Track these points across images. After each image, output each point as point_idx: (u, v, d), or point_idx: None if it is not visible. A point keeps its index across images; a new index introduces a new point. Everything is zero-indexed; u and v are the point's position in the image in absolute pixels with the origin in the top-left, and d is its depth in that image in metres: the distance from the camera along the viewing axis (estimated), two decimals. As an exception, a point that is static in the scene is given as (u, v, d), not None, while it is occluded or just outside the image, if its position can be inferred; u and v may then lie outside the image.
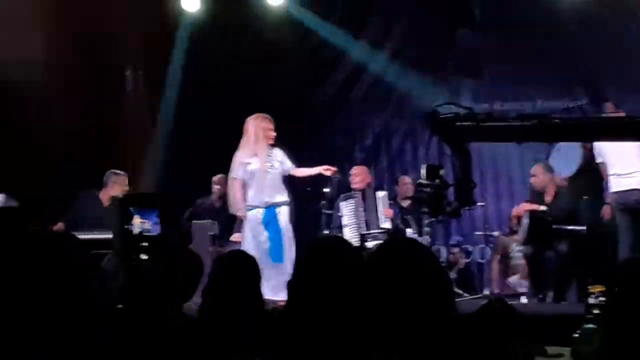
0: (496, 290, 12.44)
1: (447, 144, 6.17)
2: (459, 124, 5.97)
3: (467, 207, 6.47)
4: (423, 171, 6.16)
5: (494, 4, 12.99)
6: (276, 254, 9.38)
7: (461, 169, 6.04)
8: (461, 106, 6.35)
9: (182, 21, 12.99)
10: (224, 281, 4.47)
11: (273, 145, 9.70)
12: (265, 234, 9.55)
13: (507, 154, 13.55)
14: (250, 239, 9.59)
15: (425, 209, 6.58)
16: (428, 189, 6.06)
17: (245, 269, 4.57)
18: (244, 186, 9.69)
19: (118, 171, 10.87)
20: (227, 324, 4.28)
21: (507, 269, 12.32)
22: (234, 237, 11.33)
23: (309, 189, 11.45)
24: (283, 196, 9.68)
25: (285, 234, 9.57)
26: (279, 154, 9.71)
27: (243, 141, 9.68)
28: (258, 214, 9.61)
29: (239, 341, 4.25)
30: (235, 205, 9.74)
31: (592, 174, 11.28)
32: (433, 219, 12.42)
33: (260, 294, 4.56)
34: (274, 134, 9.66)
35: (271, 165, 9.60)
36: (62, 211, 10.68)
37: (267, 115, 9.71)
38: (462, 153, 6.04)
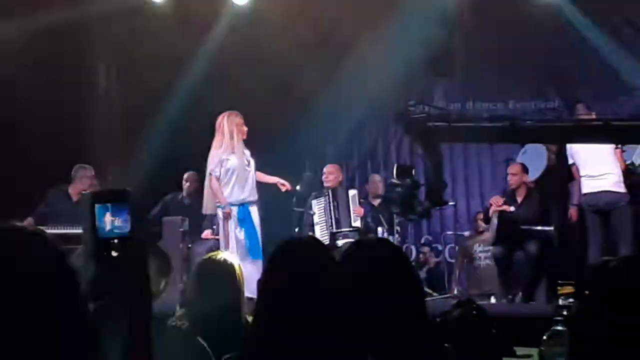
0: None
1: (418, 144, 6.19)
2: (431, 124, 5.98)
3: (438, 207, 6.49)
4: (394, 171, 6.18)
5: (467, 4, 12.99)
6: (254, 250, 9.39)
7: (433, 169, 6.06)
8: (433, 106, 6.36)
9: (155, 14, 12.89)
10: (204, 287, 4.51)
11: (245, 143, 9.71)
12: (242, 231, 9.55)
13: (478, 154, 13.59)
14: (230, 236, 9.59)
15: (396, 209, 6.59)
16: (399, 189, 6.08)
17: (227, 276, 4.60)
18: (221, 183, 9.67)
19: (85, 165, 10.94)
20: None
21: (472, 271, 12.31)
22: (205, 234, 11.35)
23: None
24: (256, 194, 9.70)
25: (259, 231, 9.60)
26: (247, 152, 9.71)
27: (218, 138, 9.66)
28: (233, 211, 9.60)
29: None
30: (218, 200, 9.69)
31: (557, 177, 11.38)
32: (404, 218, 12.48)
33: (239, 298, 4.59)
34: (245, 129, 9.66)
35: (247, 163, 9.61)
36: (31, 207, 10.67)
37: (238, 112, 9.70)
38: (433, 153, 6.07)
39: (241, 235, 9.55)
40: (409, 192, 6.04)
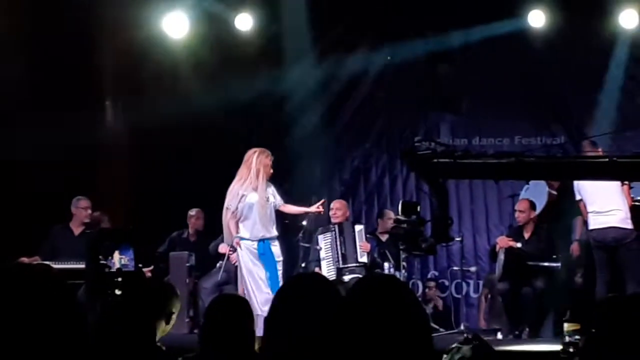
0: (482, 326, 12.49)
1: (424, 180, 6.20)
2: (437, 160, 5.98)
3: (443, 244, 6.48)
4: (400, 207, 6.18)
5: (474, 40, 13.05)
6: (274, 286, 9.36)
7: (438, 206, 6.05)
8: (439, 142, 6.36)
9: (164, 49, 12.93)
10: (219, 326, 4.51)
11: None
12: (261, 266, 9.56)
13: (484, 190, 13.59)
14: (246, 270, 9.60)
15: (402, 245, 6.60)
16: (404, 225, 6.07)
17: (240, 313, 4.60)
18: (238, 218, 9.69)
19: (80, 197, 11.03)
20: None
21: (494, 304, 12.29)
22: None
23: (286, 221, 11.47)
24: (275, 231, 9.72)
25: (279, 267, 9.62)
26: (270, 190, 9.76)
27: (243, 171, 9.69)
28: (252, 246, 9.63)
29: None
30: (228, 235, 9.77)
31: (557, 214, 11.40)
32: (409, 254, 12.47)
33: (252, 338, 4.59)
34: (272, 171, 9.70)
35: (267, 199, 9.63)
36: (38, 245, 10.74)
37: (269, 152, 9.74)
38: (439, 190, 6.06)
39: (261, 270, 9.56)
40: (415, 228, 6.02)
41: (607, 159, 5.64)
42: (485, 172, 6.48)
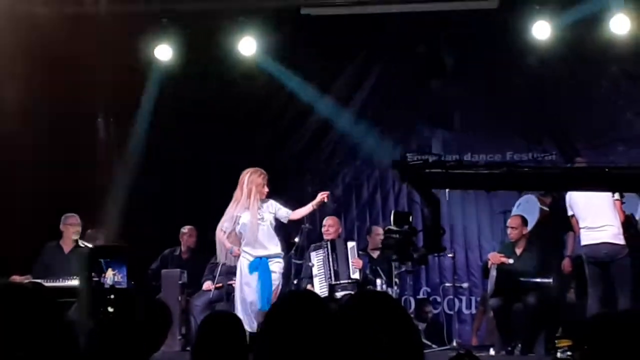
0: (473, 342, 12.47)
1: (416, 190, 6.19)
2: (428, 170, 5.99)
3: (435, 254, 6.47)
4: (392, 217, 6.16)
5: (465, 55, 13.09)
6: (264, 302, 9.39)
7: (430, 215, 6.04)
8: (432, 154, 6.37)
9: (154, 70, 12.92)
10: (211, 344, 4.50)
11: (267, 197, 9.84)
12: (254, 281, 9.58)
13: (476, 205, 13.58)
14: (240, 286, 9.73)
15: (393, 256, 6.56)
16: (396, 235, 6.05)
17: (232, 331, 4.59)
18: (237, 238, 9.79)
19: (69, 214, 11.07)
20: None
21: (489, 321, 12.27)
22: (206, 285, 11.36)
23: (278, 238, 11.46)
24: (276, 247, 9.74)
25: (276, 284, 9.64)
26: (272, 205, 9.80)
27: (237, 193, 9.78)
28: (247, 260, 9.70)
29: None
30: (224, 250, 9.86)
31: (550, 229, 11.40)
32: (403, 270, 12.45)
33: (245, 355, 4.58)
34: (266, 190, 9.76)
35: (261, 218, 9.64)
36: (30, 264, 10.75)
37: (262, 171, 9.77)
38: (430, 199, 6.05)
39: (254, 284, 9.59)
40: (406, 238, 6.01)
41: (599, 170, 5.64)
42: (477, 183, 6.47)
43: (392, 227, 6.07)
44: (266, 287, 9.52)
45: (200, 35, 12.59)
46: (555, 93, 13.02)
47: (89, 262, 9.44)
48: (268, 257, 9.66)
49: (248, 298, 9.59)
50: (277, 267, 9.70)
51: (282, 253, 9.93)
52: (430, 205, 6.03)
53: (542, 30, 12.24)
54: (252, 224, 9.62)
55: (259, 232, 9.67)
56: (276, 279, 9.64)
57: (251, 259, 9.64)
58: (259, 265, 9.60)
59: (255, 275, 9.59)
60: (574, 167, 6.63)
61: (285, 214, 9.90)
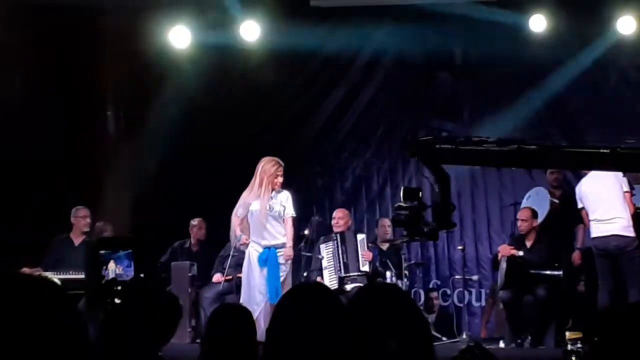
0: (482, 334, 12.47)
1: (425, 166, 6.17)
2: (438, 146, 5.98)
3: (445, 230, 6.42)
4: (401, 193, 6.14)
5: (473, 49, 13.06)
6: (272, 294, 9.39)
7: (440, 191, 6.02)
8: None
9: (167, 61, 12.92)
10: (220, 336, 4.51)
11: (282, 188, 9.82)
12: (263, 273, 9.57)
13: (486, 198, 13.58)
14: (247, 277, 9.72)
15: (404, 232, 6.53)
16: (406, 211, 6.02)
17: (241, 323, 4.60)
18: (247, 226, 9.79)
19: (79, 207, 11.13)
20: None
21: (498, 314, 12.26)
22: (216, 277, 11.37)
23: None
24: (283, 238, 9.70)
25: (283, 276, 9.62)
26: (284, 197, 9.76)
27: (252, 182, 9.74)
28: (256, 251, 9.68)
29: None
30: (234, 236, 9.84)
31: (561, 221, 11.38)
32: (412, 262, 12.46)
33: (255, 348, 4.59)
34: (280, 180, 9.71)
35: (270, 208, 9.62)
36: (40, 256, 10.79)
37: (278, 161, 9.75)
38: (440, 175, 6.04)
39: (261, 275, 9.59)
40: (416, 213, 5.98)
41: (609, 150, 5.61)
42: (487, 159, 6.45)
43: (402, 204, 6.05)
44: (274, 280, 9.51)
45: (207, 24, 12.61)
46: (564, 85, 12.96)
47: (92, 254, 9.46)
48: (275, 246, 9.64)
49: (255, 288, 9.60)
50: (283, 258, 9.67)
51: (289, 242, 9.85)
52: (440, 181, 6.02)
53: (542, 22, 12.30)
54: (260, 213, 9.61)
55: (267, 222, 9.66)
56: (284, 270, 9.63)
57: (260, 249, 9.61)
58: (268, 257, 9.58)
59: (265, 269, 9.58)
60: (583, 146, 6.58)
61: (287, 213, 9.81)
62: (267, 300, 9.35)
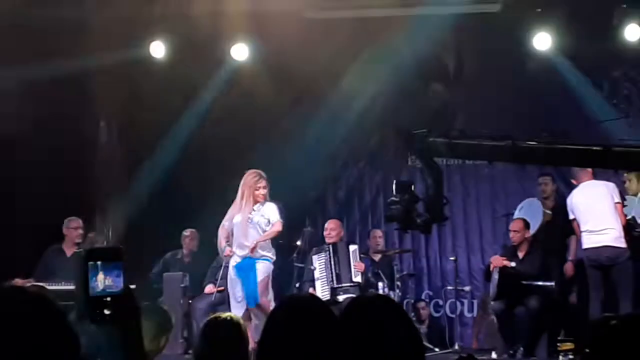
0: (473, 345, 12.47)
1: (419, 159, 6.18)
2: (432, 139, 5.99)
3: (438, 223, 6.41)
4: (393, 187, 6.13)
5: (468, 59, 13.05)
6: (249, 299, 9.51)
7: (433, 185, 6.02)
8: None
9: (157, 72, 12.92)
10: (212, 347, 4.52)
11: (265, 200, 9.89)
12: (239, 281, 9.61)
13: (478, 209, 13.59)
14: (229, 287, 9.88)
15: (397, 226, 6.52)
16: (398, 205, 6.03)
17: (233, 334, 4.60)
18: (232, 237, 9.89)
19: (72, 217, 11.15)
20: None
21: (488, 324, 12.25)
22: (208, 288, 11.38)
23: (280, 241, 11.46)
24: (263, 251, 9.72)
25: (261, 278, 9.64)
26: (268, 209, 9.81)
27: (237, 195, 9.84)
28: (235, 261, 9.77)
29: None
30: (220, 249, 10.02)
31: (554, 232, 11.39)
32: (404, 273, 12.46)
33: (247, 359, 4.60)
34: (262, 192, 9.76)
35: (250, 220, 9.66)
36: (33, 267, 10.78)
37: (259, 173, 9.82)
38: (433, 168, 6.04)
39: (239, 284, 9.67)
40: (409, 206, 5.98)
41: (602, 147, 5.64)
42: (480, 154, 6.47)
43: (394, 198, 6.05)
44: (249, 285, 9.56)
45: (198, 37, 12.60)
46: (555, 96, 12.98)
47: (81, 266, 9.44)
48: (257, 258, 9.68)
49: (237, 296, 9.70)
50: (261, 265, 9.68)
51: (272, 257, 9.87)
52: (433, 174, 6.02)
53: (543, 38, 12.33)
54: (241, 225, 9.72)
55: (248, 234, 9.69)
56: (262, 272, 9.62)
57: (239, 260, 9.69)
58: (242, 266, 9.65)
59: (239, 277, 9.68)
60: (576, 143, 6.59)
61: (271, 222, 9.85)
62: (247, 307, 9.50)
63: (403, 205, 6.02)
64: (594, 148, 5.78)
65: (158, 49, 12.71)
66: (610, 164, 6.55)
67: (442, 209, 6.11)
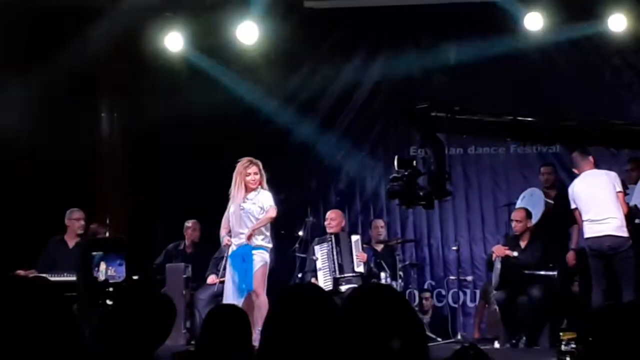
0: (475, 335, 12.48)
1: (421, 134, 6.15)
2: (434, 114, 5.97)
3: (440, 198, 6.37)
4: (395, 163, 6.10)
5: (468, 49, 13.04)
6: (241, 287, 9.61)
7: (435, 159, 5.99)
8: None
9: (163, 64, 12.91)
10: (216, 338, 4.52)
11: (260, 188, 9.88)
12: (232, 268, 9.75)
13: (480, 199, 13.58)
14: (228, 276, 9.87)
15: (399, 201, 6.47)
16: (400, 181, 5.99)
17: (237, 324, 4.61)
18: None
19: (74, 209, 11.14)
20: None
21: (490, 314, 12.25)
22: (210, 279, 11.37)
23: (282, 232, 11.47)
24: (257, 240, 9.71)
25: (257, 267, 9.65)
26: (262, 197, 9.81)
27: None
28: (232, 250, 9.83)
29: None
30: (221, 238, 10.07)
31: (556, 222, 11.38)
32: (407, 263, 12.45)
33: (250, 349, 4.60)
34: (253, 177, 9.73)
35: (243, 209, 9.67)
36: (35, 258, 10.79)
37: (250, 160, 9.83)
38: (435, 143, 6.02)
39: (234, 272, 9.74)
40: (411, 180, 5.95)
41: (603, 123, 5.64)
42: (482, 129, 6.45)
43: (396, 174, 6.02)
44: (242, 274, 9.58)
45: (202, 27, 12.60)
46: (556, 88, 12.97)
47: (84, 256, 9.46)
48: (249, 246, 9.70)
49: (234, 286, 9.73)
50: (257, 256, 9.69)
51: (267, 246, 9.84)
52: (435, 149, 6.00)
53: (538, 21, 12.32)
54: (234, 214, 9.78)
55: (242, 223, 9.72)
56: (258, 262, 9.63)
57: (234, 248, 9.73)
58: (237, 254, 9.70)
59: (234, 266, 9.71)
60: (577, 120, 6.56)
61: (265, 209, 9.84)
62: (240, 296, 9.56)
63: (405, 181, 5.99)
64: (595, 127, 5.76)
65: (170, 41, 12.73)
66: (610, 141, 6.54)
67: (444, 184, 6.09)
